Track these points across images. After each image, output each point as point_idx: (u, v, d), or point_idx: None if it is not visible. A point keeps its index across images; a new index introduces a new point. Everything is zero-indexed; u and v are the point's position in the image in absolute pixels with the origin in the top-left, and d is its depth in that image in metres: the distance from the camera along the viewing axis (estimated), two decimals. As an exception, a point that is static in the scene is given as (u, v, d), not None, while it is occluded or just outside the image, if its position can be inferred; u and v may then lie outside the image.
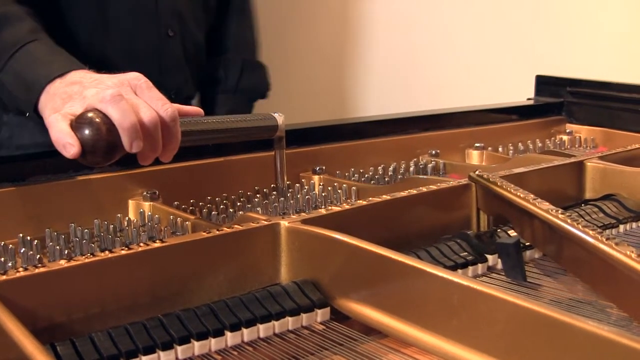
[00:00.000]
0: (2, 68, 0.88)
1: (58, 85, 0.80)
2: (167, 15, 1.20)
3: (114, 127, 0.68)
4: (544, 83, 1.33)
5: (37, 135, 1.09)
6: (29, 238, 0.73)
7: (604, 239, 0.60)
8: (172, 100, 0.77)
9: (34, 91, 0.82)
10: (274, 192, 0.89)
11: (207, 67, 1.34)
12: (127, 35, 1.16)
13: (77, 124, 0.68)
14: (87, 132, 0.67)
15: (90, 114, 0.68)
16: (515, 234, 0.74)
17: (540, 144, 1.18)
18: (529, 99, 1.34)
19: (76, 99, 0.74)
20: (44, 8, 1.02)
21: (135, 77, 0.75)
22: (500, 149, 1.16)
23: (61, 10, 1.10)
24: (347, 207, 0.70)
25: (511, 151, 1.16)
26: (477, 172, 0.79)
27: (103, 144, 0.67)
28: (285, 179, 0.90)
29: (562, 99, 1.30)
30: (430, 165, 1.04)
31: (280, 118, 0.88)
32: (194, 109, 0.81)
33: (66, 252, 0.71)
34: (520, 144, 1.18)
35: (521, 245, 0.69)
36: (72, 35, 1.09)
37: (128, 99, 0.70)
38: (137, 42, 1.18)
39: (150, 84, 0.75)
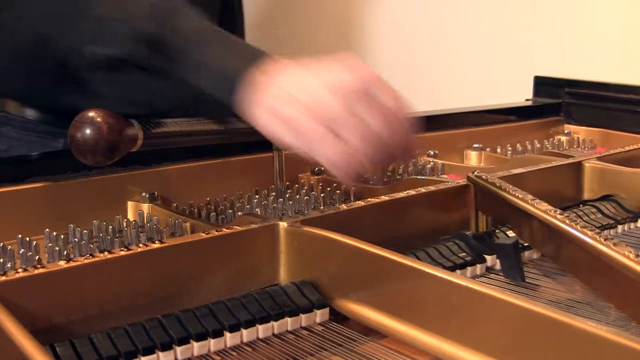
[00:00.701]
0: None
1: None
2: None
3: (115, 127, 0.67)
4: (542, 84, 1.33)
5: (34, 149, 1.08)
6: (28, 239, 0.73)
7: (603, 240, 0.61)
8: None
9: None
10: (273, 193, 0.89)
11: None
12: None
13: (77, 123, 0.67)
14: (88, 131, 0.67)
15: (91, 114, 0.68)
16: (513, 234, 0.74)
17: (538, 145, 1.18)
18: (527, 99, 1.34)
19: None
20: None
21: (361, 78, 0.61)
22: (498, 150, 1.17)
23: None
24: (345, 207, 0.70)
25: (510, 152, 1.16)
26: (475, 173, 0.79)
27: (104, 144, 0.67)
28: (284, 179, 0.90)
29: (560, 99, 1.30)
30: (428, 166, 1.04)
31: (279, 119, 0.87)
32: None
33: (65, 253, 0.71)
34: (518, 145, 1.18)
35: (520, 245, 0.69)
36: None
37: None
38: None
39: (380, 81, 0.62)
